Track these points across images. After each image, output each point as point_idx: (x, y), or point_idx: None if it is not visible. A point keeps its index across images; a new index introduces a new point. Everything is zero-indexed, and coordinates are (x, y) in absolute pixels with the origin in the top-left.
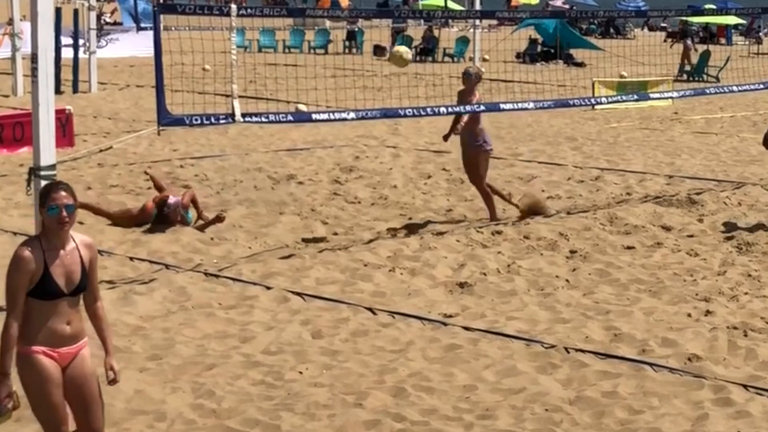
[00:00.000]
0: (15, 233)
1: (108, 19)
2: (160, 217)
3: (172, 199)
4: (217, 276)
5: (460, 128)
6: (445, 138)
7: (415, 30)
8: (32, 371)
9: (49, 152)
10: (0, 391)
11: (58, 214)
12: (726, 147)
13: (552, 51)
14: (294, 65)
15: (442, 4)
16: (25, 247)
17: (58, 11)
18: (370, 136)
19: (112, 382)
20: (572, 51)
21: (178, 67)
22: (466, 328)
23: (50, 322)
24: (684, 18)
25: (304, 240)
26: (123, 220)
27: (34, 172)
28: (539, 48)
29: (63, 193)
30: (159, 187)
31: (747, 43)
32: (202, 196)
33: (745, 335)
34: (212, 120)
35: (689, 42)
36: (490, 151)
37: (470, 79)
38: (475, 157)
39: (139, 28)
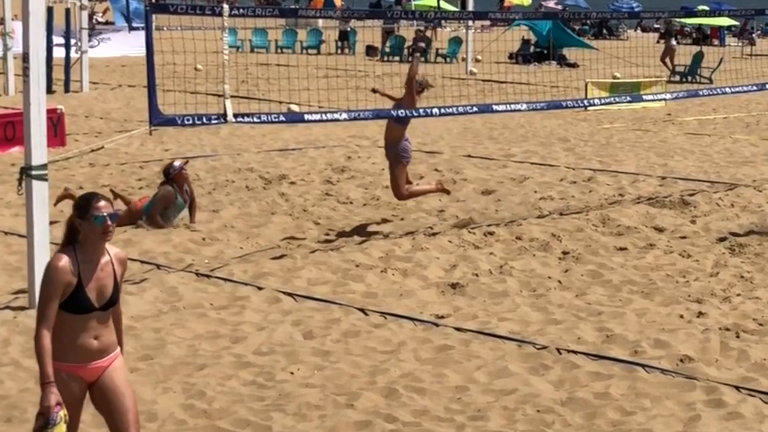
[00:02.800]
0: (6, 233)
1: (100, 19)
2: (167, 181)
3: (177, 162)
4: (208, 276)
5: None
6: (374, 90)
7: (408, 30)
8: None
9: (40, 152)
10: (49, 399)
11: (104, 223)
12: (719, 148)
13: (545, 52)
14: (286, 65)
15: (435, 4)
16: (60, 256)
17: (49, 10)
18: (363, 137)
19: None
20: (565, 52)
21: (170, 67)
22: (458, 329)
23: (78, 337)
24: (668, 18)
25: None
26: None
27: (26, 171)
28: (532, 49)
29: (104, 203)
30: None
31: (740, 44)
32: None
33: (738, 336)
34: (204, 120)
35: (673, 43)
36: (407, 161)
37: (415, 86)
38: (394, 166)
39: (131, 28)
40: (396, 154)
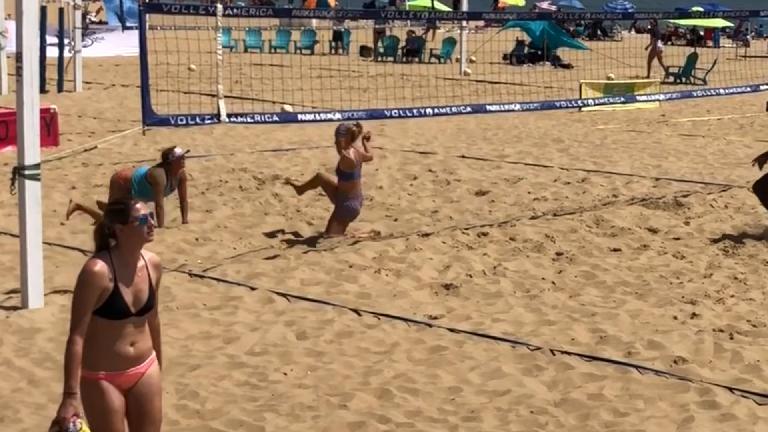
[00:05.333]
0: None
1: (93, 18)
2: (163, 164)
3: (178, 149)
4: (201, 276)
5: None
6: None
7: (402, 31)
8: (95, 399)
9: (33, 151)
10: (66, 410)
11: (147, 222)
12: (713, 149)
13: (539, 53)
14: (280, 65)
15: (429, 5)
16: (96, 261)
17: (43, 10)
18: None
19: None
20: (559, 53)
21: (163, 67)
22: (452, 330)
23: (115, 344)
24: (654, 20)
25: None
26: None
27: (19, 171)
28: (526, 49)
29: (140, 204)
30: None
31: (734, 45)
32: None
33: (731, 338)
34: (197, 120)
35: (660, 44)
36: (349, 217)
37: (337, 137)
38: (334, 215)
39: (125, 27)
40: (341, 204)
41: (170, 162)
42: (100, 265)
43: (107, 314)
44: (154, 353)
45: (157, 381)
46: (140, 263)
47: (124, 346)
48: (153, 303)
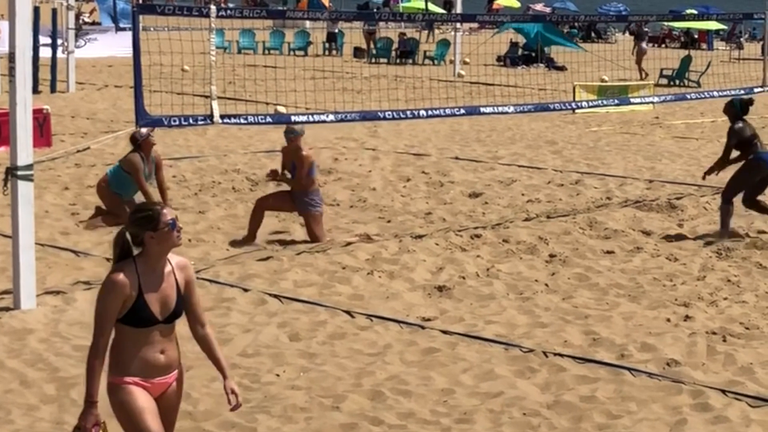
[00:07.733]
0: None
1: (87, 19)
2: (135, 149)
3: (143, 129)
4: None
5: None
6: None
7: (396, 33)
8: (126, 403)
9: (26, 152)
10: (87, 420)
11: (176, 226)
12: (706, 152)
13: (533, 54)
14: (273, 67)
15: (423, 6)
16: (119, 270)
17: (36, 10)
18: (350, 139)
19: (236, 407)
20: (553, 55)
21: (156, 68)
22: (445, 332)
23: (143, 351)
24: (640, 21)
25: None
26: (122, 211)
27: (11, 171)
28: (520, 51)
29: (167, 209)
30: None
31: (728, 48)
32: (180, 197)
33: (724, 340)
34: (191, 121)
35: (644, 45)
36: (317, 211)
37: (293, 137)
38: (308, 218)
39: (118, 28)
40: (305, 203)
41: (140, 144)
42: (122, 275)
43: (133, 322)
44: (180, 366)
45: (179, 395)
46: (167, 269)
47: (153, 354)
48: (181, 309)
